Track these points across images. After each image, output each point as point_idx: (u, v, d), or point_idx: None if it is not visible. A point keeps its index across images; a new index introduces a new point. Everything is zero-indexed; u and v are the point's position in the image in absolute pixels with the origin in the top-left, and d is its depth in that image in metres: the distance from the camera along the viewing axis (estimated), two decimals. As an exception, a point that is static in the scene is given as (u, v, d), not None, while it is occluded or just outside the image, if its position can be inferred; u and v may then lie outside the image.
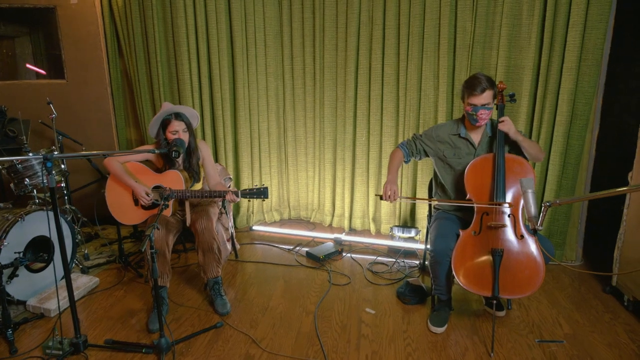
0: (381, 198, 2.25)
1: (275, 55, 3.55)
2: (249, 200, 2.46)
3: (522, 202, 2.12)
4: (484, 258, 2.11)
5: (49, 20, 3.95)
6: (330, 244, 3.35)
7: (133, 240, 3.47)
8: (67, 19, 3.48)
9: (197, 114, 2.64)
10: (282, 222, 3.90)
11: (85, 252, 3.14)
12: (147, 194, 2.48)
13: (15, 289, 2.46)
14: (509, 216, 2.13)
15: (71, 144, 3.43)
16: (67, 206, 3.15)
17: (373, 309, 2.50)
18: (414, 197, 2.28)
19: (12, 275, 2.31)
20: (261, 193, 2.39)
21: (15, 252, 2.36)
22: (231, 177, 3.13)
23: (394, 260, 3.11)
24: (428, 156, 2.46)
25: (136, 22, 3.40)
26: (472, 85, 2.15)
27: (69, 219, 2.78)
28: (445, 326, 2.29)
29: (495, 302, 2.12)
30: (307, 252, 3.22)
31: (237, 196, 2.39)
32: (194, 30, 3.33)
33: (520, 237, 2.10)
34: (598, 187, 2.92)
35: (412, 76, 3.19)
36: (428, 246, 2.63)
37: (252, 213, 3.83)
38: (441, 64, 3.07)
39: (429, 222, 2.63)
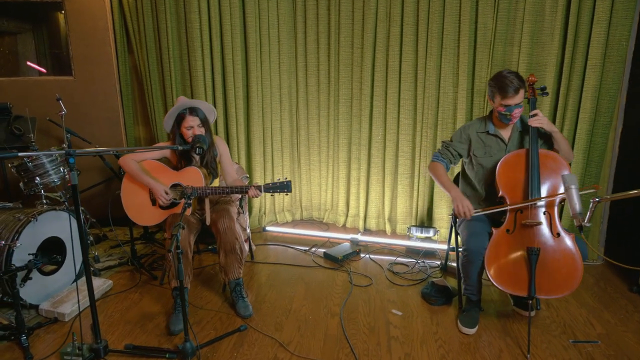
0: (455, 218, 2.17)
1: (288, 53, 3.48)
2: (272, 195, 2.37)
3: (557, 199, 2.07)
4: (519, 257, 2.06)
5: (53, 15, 3.86)
6: (347, 244, 3.28)
7: (143, 242, 3.36)
8: (75, 13, 3.37)
9: (214, 109, 2.55)
10: (294, 223, 3.82)
11: (95, 254, 3.03)
12: (166, 193, 2.40)
13: (27, 292, 2.35)
14: (544, 213, 2.08)
15: (79, 142, 3.32)
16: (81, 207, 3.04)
17: (399, 310, 2.44)
18: (488, 208, 2.18)
19: (26, 278, 2.21)
20: (284, 187, 2.31)
21: (29, 254, 2.25)
22: (248, 175, 3.05)
23: (415, 260, 3.04)
24: (463, 158, 2.40)
25: (148, 17, 3.31)
26: (504, 88, 2.09)
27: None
28: (477, 327, 2.23)
29: (530, 301, 2.06)
30: (324, 252, 3.15)
31: (260, 191, 2.31)
32: (208, 26, 3.25)
33: (557, 235, 2.05)
34: (621, 185, 2.89)
35: (430, 73, 3.14)
36: (458, 246, 2.57)
37: (264, 214, 3.75)
38: (461, 61, 3.03)
39: (453, 222, 2.57)
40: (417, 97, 3.24)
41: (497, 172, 2.17)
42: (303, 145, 3.69)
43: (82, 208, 3.08)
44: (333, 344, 2.14)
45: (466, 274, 2.20)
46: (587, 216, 1.56)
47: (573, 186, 1.72)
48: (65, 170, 2.77)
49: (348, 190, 3.66)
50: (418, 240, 3.24)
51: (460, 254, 2.21)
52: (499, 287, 2.07)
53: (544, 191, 2.10)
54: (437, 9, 3.01)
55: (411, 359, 2.03)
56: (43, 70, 4.12)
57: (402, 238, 3.43)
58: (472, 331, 2.21)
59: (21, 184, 2.72)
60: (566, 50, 2.77)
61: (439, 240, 3.28)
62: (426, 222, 3.44)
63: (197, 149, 2.15)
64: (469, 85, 3.06)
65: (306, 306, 2.49)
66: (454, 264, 2.91)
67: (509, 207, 2.11)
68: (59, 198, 2.88)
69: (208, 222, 2.44)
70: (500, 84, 2.11)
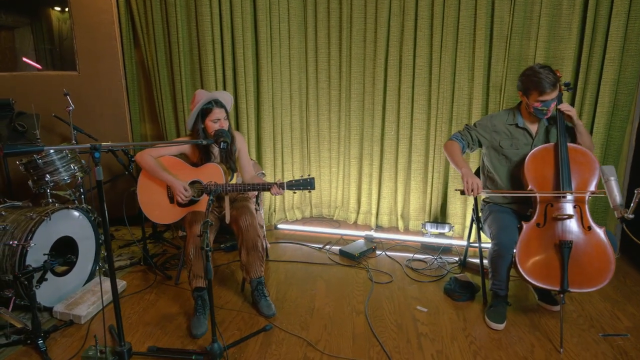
0: (462, 193, 2.15)
1: (299, 47, 3.42)
2: (294, 192, 2.30)
3: (587, 193, 2.06)
4: (551, 250, 2.04)
5: (54, 9, 3.74)
6: (361, 241, 3.24)
7: (152, 241, 3.27)
8: (79, 6, 3.26)
9: (232, 98, 2.48)
10: (304, 221, 3.76)
11: (106, 253, 2.93)
12: (185, 190, 2.32)
13: (40, 294, 2.24)
14: (574, 207, 2.06)
15: (84, 139, 3.22)
16: (84, 205, 2.94)
17: (424, 307, 2.40)
18: (502, 191, 2.18)
19: (42, 279, 2.11)
20: (307, 184, 2.25)
21: (44, 254, 2.16)
22: (264, 172, 2.98)
23: (434, 257, 3.02)
24: (481, 147, 2.38)
25: (156, 10, 3.21)
26: (541, 84, 2.05)
27: (93, 218, 2.58)
28: (505, 322, 2.20)
29: (562, 295, 2.05)
30: (340, 250, 3.10)
31: (283, 188, 2.25)
32: (219, 19, 3.17)
33: (588, 228, 2.03)
34: (638, 178, 2.90)
35: (445, 68, 3.11)
36: (483, 241, 2.55)
37: (274, 211, 3.69)
38: (477, 55, 3.00)
39: (475, 217, 2.55)
40: (432, 92, 3.21)
41: (525, 165, 2.15)
42: (313, 142, 3.63)
43: (89, 207, 2.99)
44: (363, 342, 2.10)
45: (495, 268, 2.18)
46: (632, 207, 1.54)
47: (612, 178, 1.71)
48: (76, 167, 2.67)
49: (359, 187, 3.62)
50: (432, 236, 3.22)
51: (491, 248, 2.17)
52: (531, 281, 2.04)
53: (574, 185, 2.09)
54: (453, 3, 2.98)
55: (444, 356, 2.00)
56: (38, 66, 3.99)
57: (415, 234, 3.40)
58: (500, 326, 2.18)
59: (30, 182, 2.61)
60: (584, 44, 2.76)
61: (454, 236, 3.26)
62: (440, 218, 3.42)
63: (222, 143, 2.08)
64: (484, 79, 3.04)
65: (329, 304, 2.44)
66: (473, 260, 2.89)
67: (526, 194, 2.10)
68: (68, 196, 2.77)
69: (228, 219, 2.37)
70: (537, 80, 2.07)
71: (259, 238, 2.32)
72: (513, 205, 2.33)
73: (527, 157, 2.15)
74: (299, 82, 3.49)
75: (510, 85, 2.98)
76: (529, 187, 2.13)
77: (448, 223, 3.26)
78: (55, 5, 3.71)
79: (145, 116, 3.59)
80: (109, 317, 2.30)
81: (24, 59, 4.01)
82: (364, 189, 3.57)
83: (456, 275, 2.60)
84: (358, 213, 3.66)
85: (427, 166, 3.35)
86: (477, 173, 2.61)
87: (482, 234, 2.50)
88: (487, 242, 2.89)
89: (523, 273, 2.05)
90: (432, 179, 3.34)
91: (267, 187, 2.26)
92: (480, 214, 2.56)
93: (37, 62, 3.95)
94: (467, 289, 2.49)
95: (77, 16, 3.28)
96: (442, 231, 3.23)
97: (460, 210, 3.30)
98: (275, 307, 2.35)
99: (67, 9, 3.69)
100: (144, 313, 2.37)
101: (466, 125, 2.40)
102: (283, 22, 3.32)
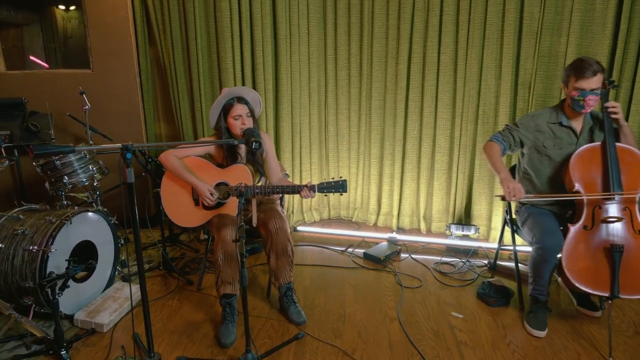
0: (502, 199, 2.05)
1: (318, 45, 3.33)
2: (325, 195, 2.20)
3: (639, 194, 1.97)
4: (599, 254, 1.95)
5: (64, 5, 3.63)
6: (384, 244, 3.14)
7: (169, 244, 3.17)
8: (93, 2, 3.16)
9: (260, 99, 2.38)
10: (322, 222, 3.67)
11: (122, 258, 2.84)
12: (212, 193, 2.22)
13: (60, 301, 2.14)
14: (624, 209, 1.97)
15: (99, 140, 3.11)
16: (100, 207, 2.84)
17: (459, 313, 2.31)
18: (546, 195, 2.10)
19: (64, 286, 2.00)
20: (339, 187, 2.16)
21: (65, 260, 2.06)
22: (287, 173, 2.88)
23: (461, 260, 2.93)
24: (522, 148, 2.28)
25: (173, 6, 3.11)
26: (581, 68, 1.99)
27: (113, 221, 2.48)
28: (547, 329, 2.11)
29: (611, 301, 1.96)
30: (364, 253, 3.01)
31: (314, 191, 2.16)
32: (238, 15, 3.08)
33: (638, 231, 1.95)
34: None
35: (472, 65, 3.02)
36: (513, 245, 2.46)
37: (292, 213, 3.59)
38: (505, 52, 2.91)
39: (509, 220, 2.46)
40: (457, 90, 3.12)
41: (570, 166, 2.06)
42: (332, 141, 3.54)
43: (106, 209, 2.89)
44: (400, 351, 2.00)
45: (537, 273, 2.08)
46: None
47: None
48: (94, 168, 2.57)
49: (380, 188, 3.53)
50: (457, 238, 3.13)
51: (534, 252, 2.08)
52: (579, 286, 1.96)
53: (623, 186, 2.00)
54: (480, -2, 2.90)
55: (487, 366, 1.91)
56: (46, 65, 3.89)
57: (438, 236, 3.32)
58: (542, 334, 2.09)
59: (47, 184, 2.51)
60: (618, 40, 2.68)
61: (480, 238, 3.17)
62: (464, 219, 3.33)
63: (253, 143, 1.98)
64: (512, 77, 2.95)
65: (360, 310, 2.35)
66: (503, 263, 2.81)
67: (572, 197, 2.01)
68: (86, 198, 2.67)
69: (255, 222, 2.27)
70: (577, 66, 2.00)
71: (289, 242, 2.22)
72: (553, 207, 2.24)
73: (572, 157, 2.06)
74: (317, 80, 3.40)
75: (539, 83, 2.90)
76: (575, 188, 2.04)
77: (474, 225, 3.17)
78: (65, 3, 3.60)
79: (161, 115, 3.49)
80: (132, 325, 2.20)
81: (31, 58, 3.91)
82: (385, 190, 3.47)
83: (490, 280, 2.51)
84: (378, 215, 3.56)
85: (451, 166, 3.26)
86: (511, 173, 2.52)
87: (516, 236, 2.41)
88: (521, 245, 2.83)
89: (571, 278, 1.96)
90: (457, 179, 3.25)
91: (297, 189, 2.17)
92: (514, 216, 2.48)
93: (46, 61, 3.85)
94: (503, 294, 2.40)
95: (91, 13, 3.18)
96: (467, 233, 3.14)
97: (486, 211, 3.21)
98: (305, 314, 2.26)
99: (72, 8, 3.60)
100: (168, 321, 2.27)
101: (507, 125, 2.30)
102: (302, 19, 3.23)
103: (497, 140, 2.23)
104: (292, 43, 3.24)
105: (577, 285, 1.97)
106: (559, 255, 2.01)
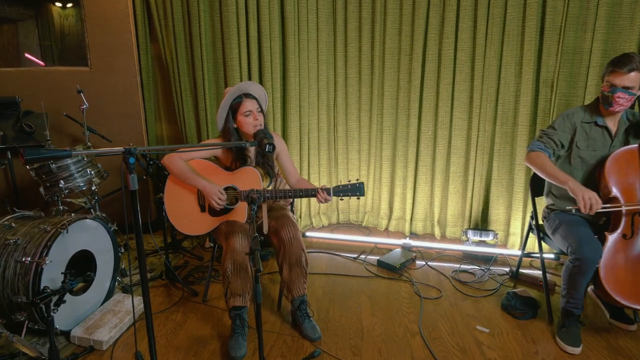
0: (577, 211, 1.86)
1: (327, 41, 3.17)
2: (341, 199, 2.04)
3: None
4: (639, 265, 1.80)
5: (54, 5, 3.47)
6: (398, 250, 2.99)
7: (171, 251, 3.01)
8: (91, -4, 3.00)
9: (265, 92, 2.21)
10: (331, 227, 3.51)
11: (122, 266, 2.67)
12: (222, 194, 2.05)
13: (56, 316, 1.98)
14: (667, 216, 1.83)
15: (97, 141, 2.95)
16: (98, 213, 2.68)
17: (484, 327, 2.16)
18: (621, 204, 1.88)
19: (59, 302, 1.84)
20: (356, 190, 2.01)
21: (61, 272, 1.90)
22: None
23: (481, 268, 2.78)
24: (564, 151, 2.11)
25: (176, 1, 2.95)
26: (618, 62, 1.84)
27: (112, 228, 2.32)
28: (581, 345, 1.96)
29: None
30: (378, 260, 2.85)
31: (330, 195, 2.00)
32: (244, 10, 2.91)
33: (683, 240, 1.80)
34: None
35: (490, 63, 2.88)
36: (540, 252, 2.31)
37: (299, 217, 3.44)
38: (526, 48, 2.77)
39: (535, 225, 2.31)
40: (474, 88, 2.97)
41: (606, 170, 1.91)
42: (341, 143, 3.39)
43: (104, 215, 2.73)
44: (426, 371, 1.85)
45: (573, 285, 1.93)
46: None
47: None
48: (92, 172, 2.41)
49: (392, 191, 3.37)
50: (473, 244, 2.98)
51: (570, 262, 1.93)
52: (617, 298, 1.81)
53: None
54: (500, -8, 2.75)
55: (522, 387, 1.76)
56: (41, 63, 3.73)
57: (452, 242, 3.17)
58: (577, 350, 1.94)
59: (41, 189, 2.34)
60: (648, 36, 2.54)
61: (498, 244, 3.02)
62: (480, 224, 3.18)
63: (267, 146, 1.82)
64: (534, 75, 2.80)
65: (378, 324, 2.19)
66: (526, 271, 2.66)
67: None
68: (83, 204, 2.51)
69: (266, 230, 2.11)
70: (618, 58, 1.86)
71: (303, 252, 2.06)
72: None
73: (607, 160, 1.92)
74: (326, 79, 3.25)
75: (563, 81, 2.75)
76: (612, 193, 1.89)
77: (492, 230, 3.02)
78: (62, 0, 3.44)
79: (162, 115, 3.33)
80: (134, 342, 2.04)
81: (27, 55, 3.75)
82: (397, 194, 3.32)
83: (515, 290, 2.36)
84: (390, 219, 3.41)
85: (468, 169, 3.11)
86: (536, 176, 2.38)
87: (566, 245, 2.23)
88: (548, 253, 2.68)
89: (609, 290, 1.81)
90: (473, 182, 3.10)
91: (311, 193, 2.01)
92: (541, 222, 2.33)
93: (42, 59, 3.68)
94: (530, 306, 2.25)
95: (89, 7, 3.02)
96: (485, 239, 2.99)
97: (504, 216, 3.06)
98: (320, 328, 2.10)
99: (70, 5, 3.43)
100: (173, 336, 2.11)
101: (543, 131, 2.12)
102: (311, 14, 3.08)
103: (540, 149, 2.04)
104: (301, 39, 3.08)
105: (615, 297, 1.83)
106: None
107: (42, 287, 1.81)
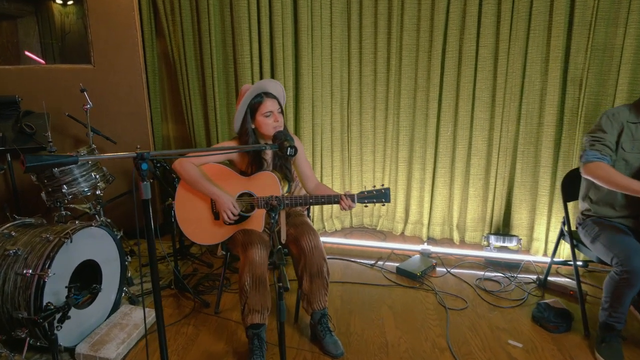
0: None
1: (341, 37, 3.03)
2: (365, 206, 1.91)
3: None
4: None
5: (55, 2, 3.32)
6: (417, 256, 2.85)
7: (179, 258, 2.87)
8: (94, -10, 2.86)
9: (283, 90, 2.06)
10: (344, 231, 3.38)
11: (129, 275, 2.53)
12: (234, 207, 1.91)
13: (60, 332, 1.85)
14: None
15: (101, 142, 2.81)
16: (104, 219, 2.54)
17: (517, 341, 2.02)
18: None
19: (64, 318, 1.70)
20: (382, 196, 1.87)
21: (65, 287, 1.76)
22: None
23: (505, 274, 2.64)
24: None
25: (184, -6, 2.81)
26: None
27: (119, 236, 2.18)
28: (624, 362, 1.83)
29: None
30: (397, 268, 2.71)
31: (354, 201, 1.86)
32: (256, 5, 2.77)
33: None
34: None
35: (514, 60, 2.74)
36: (573, 260, 2.17)
37: (312, 221, 3.29)
38: (553, 45, 2.63)
39: (566, 230, 2.17)
40: (497, 87, 2.83)
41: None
42: (355, 144, 3.25)
43: (109, 220, 2.59)
44: (460, 391, 1.72)
45: (617, 298, 1.79)
46: None
47: None
48: (97, 176, 2.27)
49: (408, 194, 3.24)
50: (495, 250, 2.84)
51: (615, 274, 1.79)
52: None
53: None
54: (526, -15, 2.61)
55: (566, 410, 1.63)
56: (42, 61, 3.59)
57: (472, 247, 3.03)
58: (620, 368, 1.81)
59: (43, 194, 2.20)
60: (685, 31, 2.40)
61: (522, 250, 2.89)
62: (502, 229, 3.04)
63: (289, 149, 1.67)
64: (561, 73, 2.66)
65: (404, 338, 2.05)
66: (553, 279, 2.52)
67: None
68: (88, 210, 2.37)
69: (284, 238, 1.98)
70: None
71: (324, 262, 1.93)
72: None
73: (655, 164, 1.78)
74: (340, 77, 3.11)
75: (592, 79, 2.61)
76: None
77: (515, 235, 2.88)
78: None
79: (169, 115, 3.19)
80: (143, 358, 1.90)
81: (26, 53, 3.60)
82: (414, 197, 3.18)
83: (546, 301, 2.22)
84: (406, 223, 3.27)
85: (489, 171, 2.97)
86: (566, 179, 2.24)
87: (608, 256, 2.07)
88: (581, 261, 2.54)
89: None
90: (495, 185, 2.97)
91: (334, 200, 1.87)
92: (573, 228, 2.19)
93: (43, 57, 3.54)
94: (564, 318, 2.11)
95: (92, 2, 2.87)
96: (507, 244, 2.85)
97: (527, 220, 2.93)
98: (342, 343, 1.96)
99: (70, 2, 3.29)
100: (185, 352, 1.97)
101: (592, 137, 1.94)
102: (325, 9, 2.93)
103: (599, 159, 1.86)
104: (314, 36, 2.94)
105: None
106: None
107: (44, 303, 1.67)
